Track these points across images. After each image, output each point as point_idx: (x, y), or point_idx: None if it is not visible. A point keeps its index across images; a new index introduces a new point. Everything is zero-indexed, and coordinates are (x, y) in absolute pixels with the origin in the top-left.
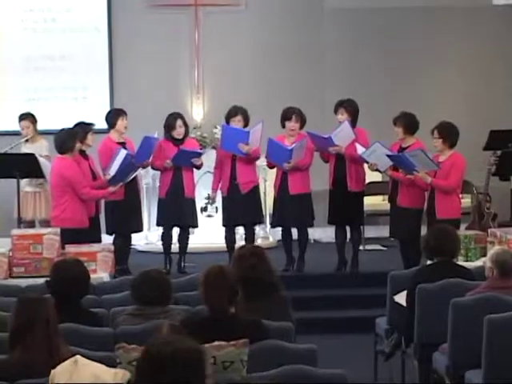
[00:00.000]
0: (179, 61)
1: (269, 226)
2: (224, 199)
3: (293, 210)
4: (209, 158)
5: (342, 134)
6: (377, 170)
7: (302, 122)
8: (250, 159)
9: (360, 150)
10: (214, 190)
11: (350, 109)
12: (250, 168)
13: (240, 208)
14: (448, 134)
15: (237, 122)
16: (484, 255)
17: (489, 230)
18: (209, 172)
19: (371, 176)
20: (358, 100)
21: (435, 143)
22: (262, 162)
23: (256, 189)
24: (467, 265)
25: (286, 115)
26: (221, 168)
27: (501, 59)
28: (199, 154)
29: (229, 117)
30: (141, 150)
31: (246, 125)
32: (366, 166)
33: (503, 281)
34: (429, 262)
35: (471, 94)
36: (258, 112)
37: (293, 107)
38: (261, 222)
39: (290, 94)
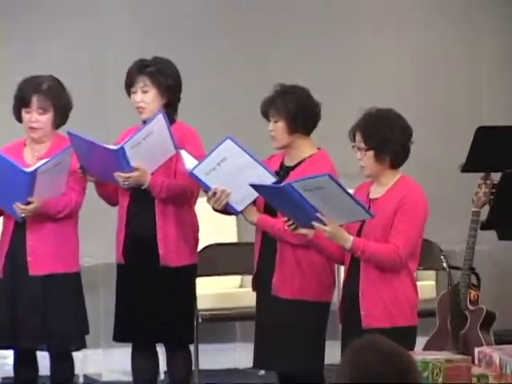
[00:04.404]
0: None
1: None
2: None
3: (31, 310)
4: None
5: (150, 141)
6: (226, 211)
7: (59, 108)
8: None
9: (190, 162)
10: None
11: (164, 81)
12: None
13: None
14: (386, 137)
15: None
16: None
17: (476, 350)
18: None
19: (216, 231)
20: (183, 66)
21: (359, 157)
22: None
23: None
24: None
25: (23, 97)
26: None
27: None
28: None
29: None
30: None
31: None
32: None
33: None
34: None
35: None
36: None
37: (39, 76)
38: None
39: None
